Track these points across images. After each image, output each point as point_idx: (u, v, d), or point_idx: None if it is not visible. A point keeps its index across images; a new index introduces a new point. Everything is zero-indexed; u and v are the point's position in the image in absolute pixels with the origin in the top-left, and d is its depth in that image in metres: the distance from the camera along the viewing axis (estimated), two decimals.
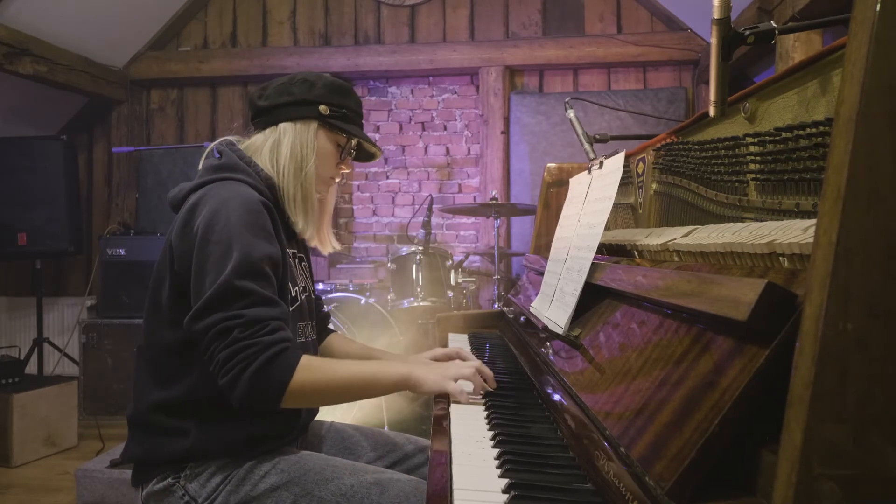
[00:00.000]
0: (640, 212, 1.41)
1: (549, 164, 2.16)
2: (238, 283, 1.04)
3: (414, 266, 3.13)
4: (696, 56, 3.90)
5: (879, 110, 0.44)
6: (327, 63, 4.11)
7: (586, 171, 1.53)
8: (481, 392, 1.21)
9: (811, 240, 0.56)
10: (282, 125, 1.27)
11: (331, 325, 1.55)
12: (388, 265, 3.20)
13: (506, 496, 0.76)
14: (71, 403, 3.16)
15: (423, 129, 4.24)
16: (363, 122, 1.39)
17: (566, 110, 1.80)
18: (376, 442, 1.38)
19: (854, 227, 0.44)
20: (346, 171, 1.37)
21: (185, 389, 1.13)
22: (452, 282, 3.16)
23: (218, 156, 1.26)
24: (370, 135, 4.19)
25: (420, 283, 3.11)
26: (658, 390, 0.73)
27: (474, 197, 4.16)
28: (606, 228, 1.22)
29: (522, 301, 1.75)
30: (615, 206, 1.40)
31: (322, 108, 1.27)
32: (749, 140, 0.92)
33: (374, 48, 4.15)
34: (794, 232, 0.72)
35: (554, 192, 2.15)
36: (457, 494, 0.78)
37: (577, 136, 1.73)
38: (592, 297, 1.17)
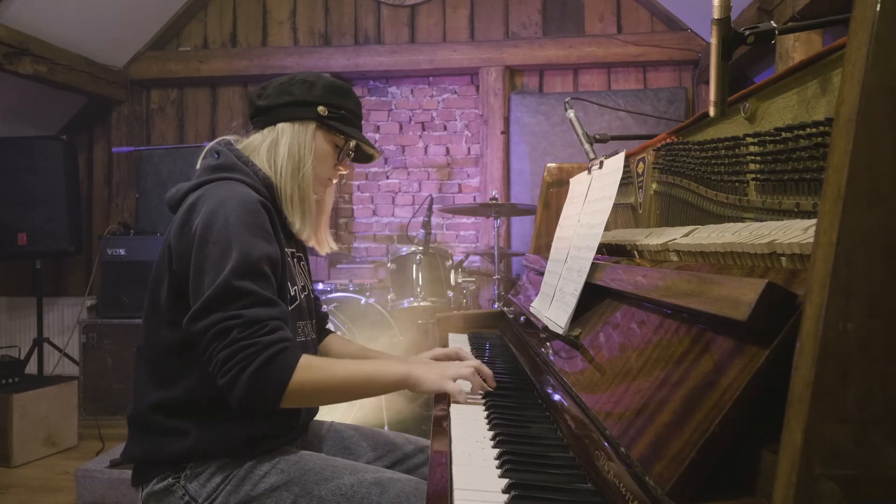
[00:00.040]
0: (640, 212, 1.41)
1: (549, 164, 2.16)
2: (237, 284, 1.04)
3: (414, 266, 3.13)
4: (696, 56, 3.90)
5: (879, 110, 0.44)
6: (327, 63, 4.11)
7: (586, 171, 1.53)
8: (480, 392, 1.21)
9: (811, 240, 0.56)
10: (280, 125, 1.26)
11: (330, 326, 1.56)
12: (388, 265, 3.20)
13: (506, 496, 0.76)
14: (71, 403, 3.16)
15: (423, 129, 4.24)
16: (363, 122, 1.39)
17: (566, 110, 1.80)
18: (376, 442, 1.38)
19: (854, 227, 0.44)
20: (344, 172, 1.37)
21: (185, 389, 1.13)
22: (452, 282, 3.16)
23: (216, 156, 1.26)
24: (370, 135, 4.23)
25: (420, 283, 3.11)
26: (658, 390, 0.73)
27: (474, 197, 4.16)
28: (606, 228, 1.22)
29: (522, 301, 1.75)
30: (615, 206, 1.40)
31: (321, 109, 1.27)
32: (749, 140, 0.92)
33: (374, 48, 4.14)
34: (795, 232, 0.72)
35: (554, 192, 2.14)
36: (457, 494, 0.78)
37: (577, 136, 1.73)
38: (592, 297, 1.17)
